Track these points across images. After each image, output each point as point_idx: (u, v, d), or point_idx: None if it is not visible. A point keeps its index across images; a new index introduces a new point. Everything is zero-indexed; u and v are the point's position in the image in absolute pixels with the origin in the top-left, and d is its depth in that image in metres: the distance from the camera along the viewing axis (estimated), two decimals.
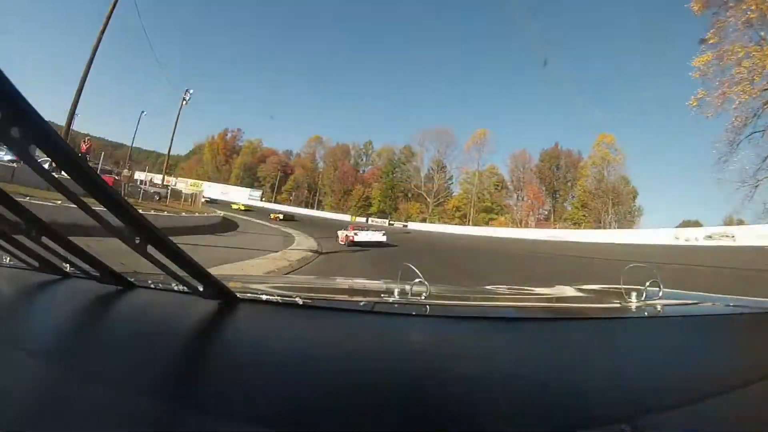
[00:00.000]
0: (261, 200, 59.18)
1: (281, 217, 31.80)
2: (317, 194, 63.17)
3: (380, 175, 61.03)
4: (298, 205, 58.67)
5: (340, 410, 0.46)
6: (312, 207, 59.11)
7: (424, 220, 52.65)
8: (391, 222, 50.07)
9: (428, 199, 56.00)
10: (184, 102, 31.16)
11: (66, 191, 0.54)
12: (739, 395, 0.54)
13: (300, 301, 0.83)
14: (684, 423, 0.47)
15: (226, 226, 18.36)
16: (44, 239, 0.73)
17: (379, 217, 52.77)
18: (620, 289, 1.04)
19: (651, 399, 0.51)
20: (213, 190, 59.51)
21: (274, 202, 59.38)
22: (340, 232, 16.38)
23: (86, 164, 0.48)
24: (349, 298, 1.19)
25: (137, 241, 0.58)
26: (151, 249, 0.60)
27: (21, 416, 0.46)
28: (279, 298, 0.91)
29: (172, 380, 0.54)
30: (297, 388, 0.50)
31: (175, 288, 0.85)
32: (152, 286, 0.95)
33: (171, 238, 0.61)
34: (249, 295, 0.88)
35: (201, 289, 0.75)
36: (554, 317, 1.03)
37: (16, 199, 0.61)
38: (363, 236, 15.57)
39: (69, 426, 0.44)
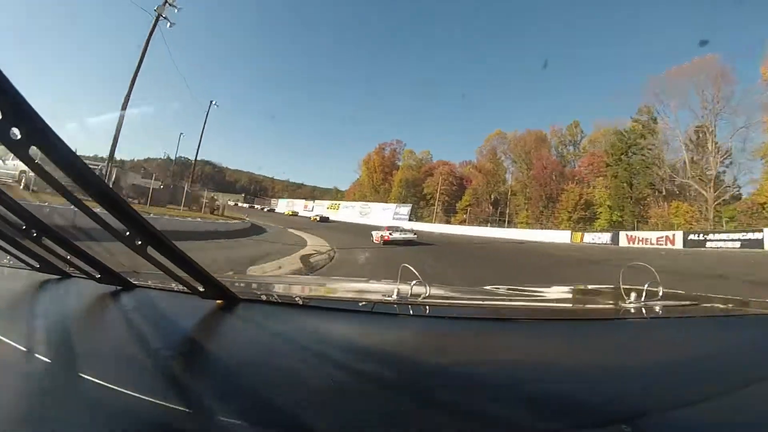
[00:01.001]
0: (409, 220, 45.49)
1: (318, 219, 41.55)
2: (507, 206, 45.88)
3: (603, 164, 39.29)
4: (480, 224, 43.77)
5: (340, 410, 0.46)
6: (501, 225, 42.48)
7: (704, 232, 29.64)
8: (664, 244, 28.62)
9: (705, 194, 32.62)
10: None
11: (66, 193, 0.53)
12: (738, 396, 0.54)
13: (300, 302, 0.84)
14: (684, 423, 0.47)
15: (243, 233, 18.82)
16: (45, 240, 0.74)
17: (614, 230, 32.93)
18: (620, 289, 1.02)
19: (651, 399, 0.51)
20: (350, 210, 54.47)
21: (442, 222, 46.57)
22: (374, 232, 19.26)
23: (86, 166, 0.48)
24: (349, 299, 1.18)
25: (138, 243, 0.58)
26: (151, 250, 0.60)
27: (21, 416, 0.45)
28: (279, 298, 0.91)
29: (171, 381, 0.54)
30: (297, 388, 0.50)
31: (175, 288, 0.83)
32: (152, 286, 0.94)
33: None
34: (249, 295, 0.88)
35: (201, 289, 0.74)
36: (554, 318, 1.04)
37: (17, 200, 0.62)
38: (397, 235, 18.52)
39: (69, 426, 0.44)
